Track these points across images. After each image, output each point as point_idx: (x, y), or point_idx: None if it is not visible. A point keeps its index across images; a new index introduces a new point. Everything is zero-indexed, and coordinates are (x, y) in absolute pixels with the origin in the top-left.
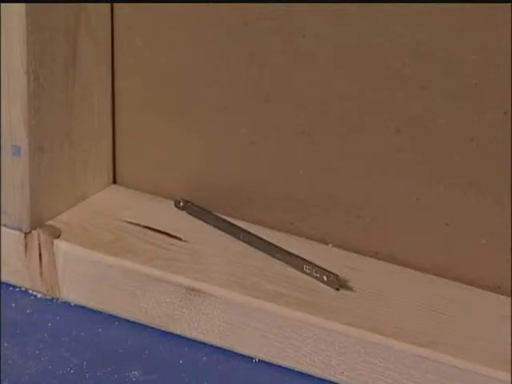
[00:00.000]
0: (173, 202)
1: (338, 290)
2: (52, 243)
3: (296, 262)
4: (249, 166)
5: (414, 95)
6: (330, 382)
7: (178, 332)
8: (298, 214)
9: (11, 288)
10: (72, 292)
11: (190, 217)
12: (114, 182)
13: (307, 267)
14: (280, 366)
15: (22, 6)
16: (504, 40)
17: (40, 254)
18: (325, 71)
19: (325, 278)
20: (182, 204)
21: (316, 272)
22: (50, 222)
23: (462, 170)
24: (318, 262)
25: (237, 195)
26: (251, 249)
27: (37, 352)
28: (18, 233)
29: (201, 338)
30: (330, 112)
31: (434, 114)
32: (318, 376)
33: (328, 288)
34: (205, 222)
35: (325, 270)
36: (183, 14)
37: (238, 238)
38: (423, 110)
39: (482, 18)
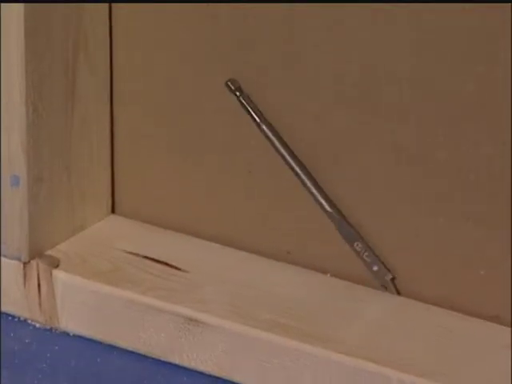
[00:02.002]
0: (171, 232)
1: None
2: (51, 273)
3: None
4: (247, 195)
5: (413, 127)
6: None
7: (177, 362)
8: (295, 242)
9: (10, 318)
10: (71, 322)
11: (189, 246)
12: (113, 211)
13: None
14: None
15: (21, 36)
16: (503, 70)
17: (39, 284)
18: (322, 102)
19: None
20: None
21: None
22: (48, 252)
23: (461, 203)
24: (316, 291)
25: (236, 225)
26: (251, 278)
27: (36, 382)
28: (16, 263)
29: (200, 367)
30: (328, 143)
31: (432, 146)
32: None
33: (326, 318)
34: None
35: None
36: (184, 44)
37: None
38: (422, 143)
39: (480, 48)
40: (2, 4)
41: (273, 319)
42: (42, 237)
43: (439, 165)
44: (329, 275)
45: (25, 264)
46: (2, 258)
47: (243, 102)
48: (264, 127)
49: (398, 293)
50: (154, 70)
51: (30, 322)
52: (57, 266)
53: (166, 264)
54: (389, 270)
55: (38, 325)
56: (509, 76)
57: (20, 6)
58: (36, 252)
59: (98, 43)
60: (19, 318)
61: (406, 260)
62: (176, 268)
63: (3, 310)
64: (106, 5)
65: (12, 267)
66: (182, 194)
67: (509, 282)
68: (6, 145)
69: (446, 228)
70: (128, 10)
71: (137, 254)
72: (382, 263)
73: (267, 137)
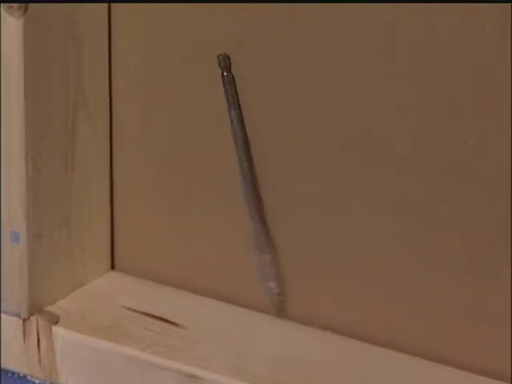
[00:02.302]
0: (171, 288)
1: None
2: (50, 329)
3: None
4: (246, 252)
5: (413, 180)
6: None
7: None
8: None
9: (10, 374)
10: (71, 378)
11: (188, 302)
12: (113, 267)
13: None
14: None
15: (20, 93)
16: (502, 123)
17: (38, 340)
18: (323, 156)
19: None
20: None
21: None
22: (48, 308)
23: (461, 256)
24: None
25: (235, 281)
26: (250, 335)
27: None
28: (16, 319)
29: None
30: (327, 196)
31: (432, 199)
32: None
33: (321, 371)
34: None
35: None
36: (185, 97)
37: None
38: (422, 195)
39: (480, 103)
40: (3, 61)
41: (272, 375)
42: (42, 293)
43: (439, 217)
44: (328, 331)
45: (24, 320)
46: (2, 315)
47: (225, 79)
48: (232, 112)
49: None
50: (154, 125)
51: (29, 378)
52: (56, 323)
53: (166, 320)
54: None
55: (37, 381)
56: (508, 131)
57: (20, 62)
58: (36, 308)
59: (98, 98)
60: (19, 374)
61: (403, 314)
62: (175, 324)
63: (3, 366)
64: (106, 60)
65: (12, 323)
66: (181, 250)
67: (509, 338)
68: (5, 201)
69: (444, 281)
70: (127, 64)
71: (136, 311)
72: None
73: (232, 123)
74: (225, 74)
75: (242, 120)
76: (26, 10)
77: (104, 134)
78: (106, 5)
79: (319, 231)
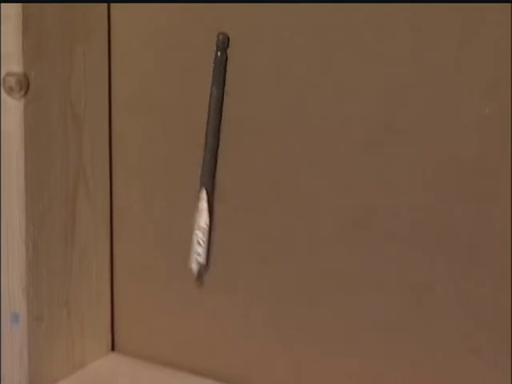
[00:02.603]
0: (170, 369)
1: None
2: None
3: None
4: (246, 334)
5: (414, 261)
6: None
7: None
8: (301, 374)
9: None
10: None
11: (187, 383)
12: (113, 348)
13: None
14: None
15: (21, 173)
16: (501, 208)
17: None
18: (323, 235)
19: None
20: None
21: None
22: None
23: (462, 336)
24: None
25: (235, 362)
26: None
27: None
28: None
29: None
30: (329, 276)
31: (433, 280)
32: None
33: None
34: None
35: None
36: (182, 172)
37: None
38: (423, 276)
39: (480, 185)
40: (3, 142)
41: None
42: (42, 374)
43: (440, 298)
44: None
45: None
46: None
47: (217, 59)
48: (214, 91)
49: None
50: (154, 206)
51: None
52: None
53: None
54: None
55: None
56: (508, 213)
57: (21, 144)
58: None
59: (98, 178)
60: None
61: None
62: None
63: None
64: (106, 137)
65: None
66: (181, 331)
67: None
68: (5, 283)
69: (445, 361)
70: (127, 143)
71: None
72: None
73: (209, 103)
74: (219, 54)
75: (220, 101)
76: (26, 92)
77: (104, 213)
78: (106, 85)
79: (316, 306)
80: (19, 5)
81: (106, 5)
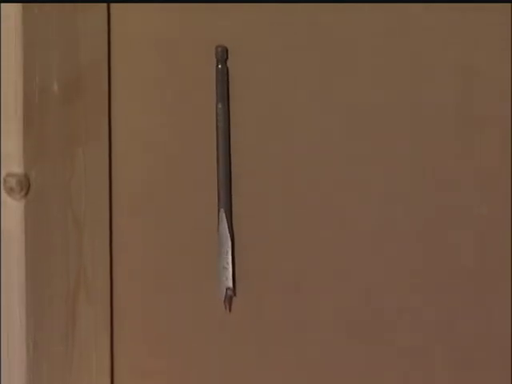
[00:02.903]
0: None
1: None
2: None
3: None
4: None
5: (414, 365)
6: None
7: None
8: None
9: None
10: None
11: None
12: None
13: None
14: None
15: (21, 273)
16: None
17: None
18: (324, 329)
19: None
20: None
21: None
22: None
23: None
24: None
25: None
26: None
27: None
28: None
29: None
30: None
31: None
32: None
33: None
34: None
35: None
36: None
37: None
38: (422, 381)
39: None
40: (3, 243)
41: None
42: None
43: None
44: None
45: None
46: None
47: (218, 71)
48: (220, 106)
49: None
50: (155, 305)
51: None
52: None
53: None
54: None
55: None
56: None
57: (21, 243)
58: None
59: (98, 277)
60: None
61: None
62: None
63: None
64: (106, 238)
65: None
66: None
67: None
68: (6, 381)
69: None
70: (127, 241)
71: None
72: None
73: (217, 116)
74: (219, 66)
75: (228, 115)
76: (27, 192)
77: (105, 310)
78: (107, 185)
79: None
80: (20, 103)
81: (106, 99)
